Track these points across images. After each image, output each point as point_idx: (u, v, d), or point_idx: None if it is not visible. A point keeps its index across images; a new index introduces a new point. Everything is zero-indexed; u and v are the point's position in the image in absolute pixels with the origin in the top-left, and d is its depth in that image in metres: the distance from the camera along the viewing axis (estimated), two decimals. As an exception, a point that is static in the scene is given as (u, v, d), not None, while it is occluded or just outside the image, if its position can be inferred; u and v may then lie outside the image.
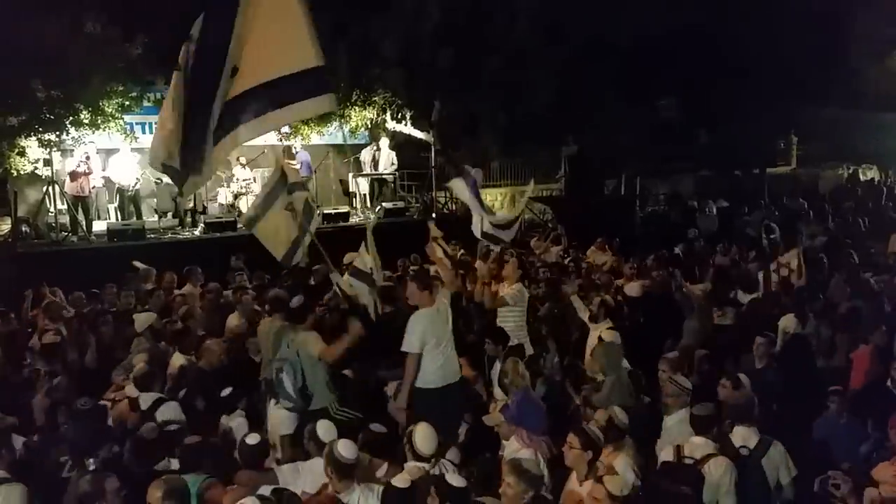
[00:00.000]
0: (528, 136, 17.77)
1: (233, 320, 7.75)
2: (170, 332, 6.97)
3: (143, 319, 7.16)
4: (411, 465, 4.34)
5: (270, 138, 15.86)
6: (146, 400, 5.57)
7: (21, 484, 4.32)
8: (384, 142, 15.82)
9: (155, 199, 14.43)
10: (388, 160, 15.76)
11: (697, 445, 4.66)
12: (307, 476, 4.32)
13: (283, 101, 6.02)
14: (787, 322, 7.35)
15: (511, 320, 7.20)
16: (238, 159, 15.24)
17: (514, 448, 4.73)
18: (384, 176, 16.02)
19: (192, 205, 14.10)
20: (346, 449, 4.06)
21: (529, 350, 7.00)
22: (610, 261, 11.22)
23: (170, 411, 5.47)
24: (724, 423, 4.93)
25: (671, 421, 5.04)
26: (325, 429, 4.55)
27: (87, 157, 12.71)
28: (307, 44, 6.03)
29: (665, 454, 4.77)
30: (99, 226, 13.32)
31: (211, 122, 5.97)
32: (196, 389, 5.86)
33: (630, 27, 16.89)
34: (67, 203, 12.69)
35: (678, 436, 4.86)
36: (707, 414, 4.78)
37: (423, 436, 4.37)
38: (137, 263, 9.48)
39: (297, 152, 15.37)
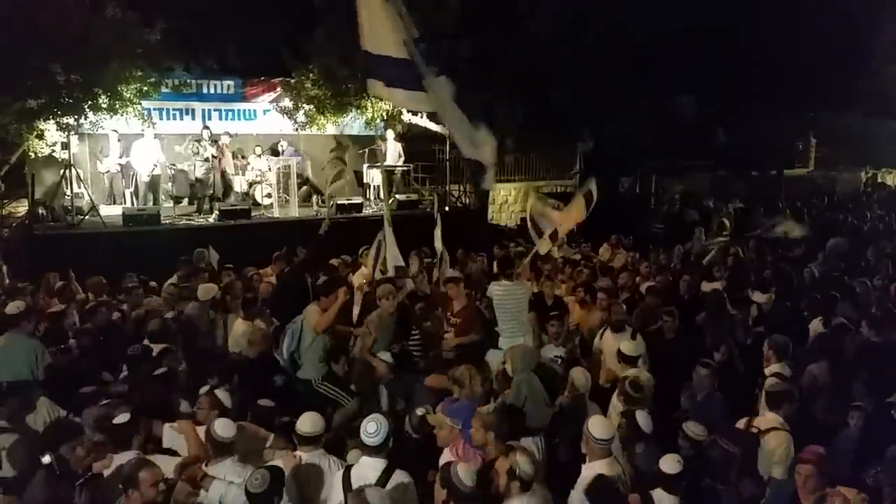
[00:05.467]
0: (545, 130, 17.68)
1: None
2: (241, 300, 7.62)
3: (206, 290, 7.73)
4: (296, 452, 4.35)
5: (287, 128, 15.95)
6: (156, 349, 6.16)
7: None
8: (389, 133, 15.80)
9: (171, 185, 14.51)
10: (394, 152, 15.73)
11: (766, 420, 5.00)
12: None
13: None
14: (818, 326, 7.36)
15: (502, 317, 7.10)
16: (254, 149, 15.32)
17: (447, 457, 4.60)
18: (396, 168, 16.00)
19: (211, 192, 14.17)
20: (222, 428, 4.30)
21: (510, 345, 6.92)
22: (624, 259, 11.13)
23: (173, 359, 6.05)
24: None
25: (588, 470, 4.29)
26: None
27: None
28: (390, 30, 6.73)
29: (739, 424, 5.08)
30: (114, 210, 13.42)
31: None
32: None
33: (650, 23, 16.72)
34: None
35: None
36: (778, 391, 5.12)
37: (305, 418, 4.38)
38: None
39: (283, 149, 15.54)
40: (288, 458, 4.27)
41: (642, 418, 4.63)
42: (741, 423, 5.06)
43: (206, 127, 14.10)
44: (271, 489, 3.85)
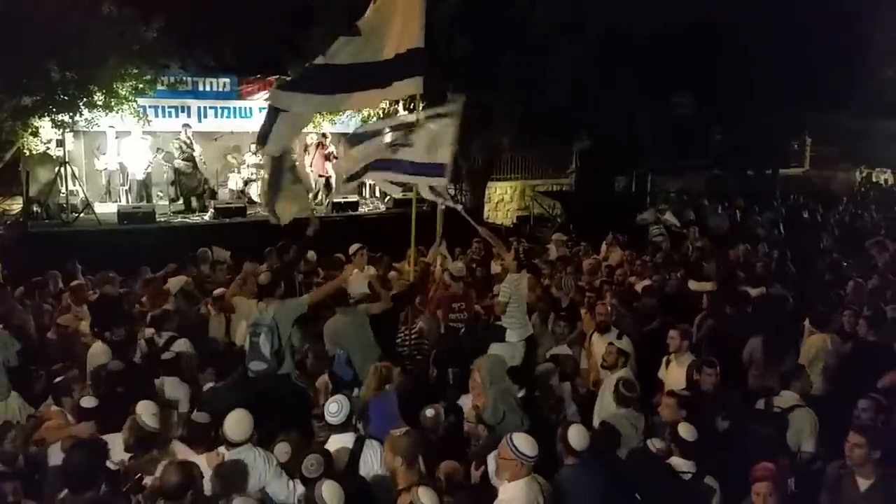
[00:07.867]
0: (541, 129, 17.65)
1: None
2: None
3: (175, 282, 7.94)
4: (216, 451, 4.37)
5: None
6: (163, 337, 6.67)
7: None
8: None
9: (165, 183, 14.49)
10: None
11: (785, 397, 5.39)
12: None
13: (373, 83, 6.85)
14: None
15: (516, 310, 7.21)
16: (249, 146, 15.26)
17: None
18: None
19: (199, 190, 14.13)
20: (150, 418, 4.49)
21: (518, 336, 7.03)
22: (620, 257, 11.12)
23: (183, 345, 6.48)
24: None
25: (505, 493, 3.91)
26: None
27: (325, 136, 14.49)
28: (415, 24, 6.57)
29: (759, 404, 5.52)
30: (109, 208, 13.39)
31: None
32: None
33: (647, 22, 16.71)
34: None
35: None
36: (787, 370, 5.69)
37: (233, 421, 4.33)
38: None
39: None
40: (210, 456, 4.27)
41: (574, 433, 4.26)
42: (760, 404, 5.48)
43: (186, 125, 14.07)
44: (326, 473, 3.93)
